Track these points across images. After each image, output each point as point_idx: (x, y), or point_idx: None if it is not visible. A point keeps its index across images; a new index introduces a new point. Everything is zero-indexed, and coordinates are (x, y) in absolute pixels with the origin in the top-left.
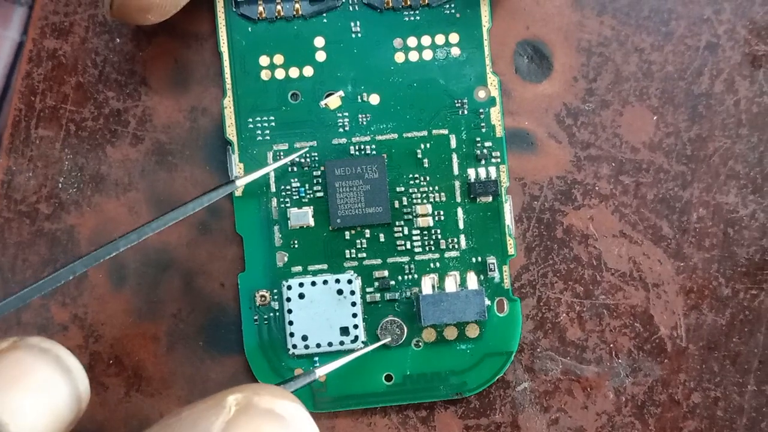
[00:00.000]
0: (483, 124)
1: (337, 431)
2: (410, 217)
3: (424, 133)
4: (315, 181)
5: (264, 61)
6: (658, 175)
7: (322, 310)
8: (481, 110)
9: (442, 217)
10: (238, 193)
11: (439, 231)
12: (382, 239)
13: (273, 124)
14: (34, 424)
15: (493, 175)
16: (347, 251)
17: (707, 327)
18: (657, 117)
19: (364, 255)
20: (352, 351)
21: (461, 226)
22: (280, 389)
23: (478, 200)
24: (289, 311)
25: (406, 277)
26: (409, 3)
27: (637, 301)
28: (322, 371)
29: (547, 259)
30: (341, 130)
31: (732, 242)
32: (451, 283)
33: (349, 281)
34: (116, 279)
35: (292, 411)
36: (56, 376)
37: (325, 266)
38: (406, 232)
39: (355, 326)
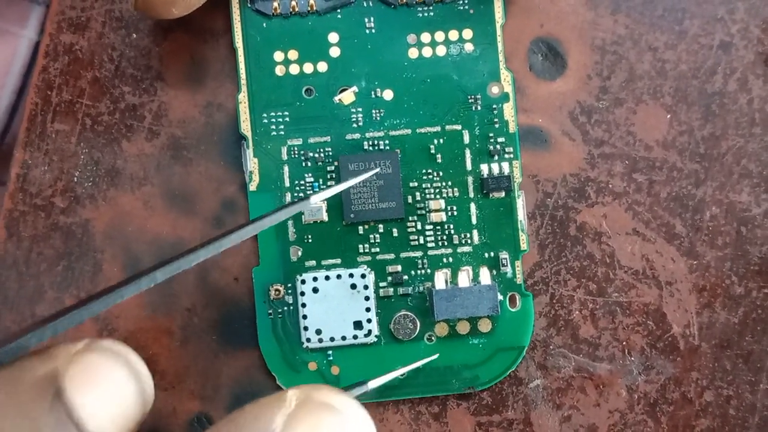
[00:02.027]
0: (496, 120)
1: None
2: (423, 212)
3: (438, 128)
4: (329, 176)
5: (278, 56)
6: (672, 173)
7: (336, 305)
8: (494, 106)
9: (455, 213)
10: (252, 187)
11: (452, 226)
12: (395, 234)
13: (287, 119)
14: (108, 423)
15: (506, 170)
16: (361, 246)
17: (720, 325)
18: (670, 115)
19: (378, 250)
20: (365, 345)
21: (474, 221)
22: (336, 388)
23: (490, 196)
24: (303, 305)
25: (419, 271)
26: None
27: (650, 299)
28: (374, 384)
29: (560, 257)
30: (355, 125)
31: (745, 241)
32: (464, 278)
33: (363, 276)
34: (130, 272)
35: (349, 405)
36: (128, 380)
37: (338, 261)
38: (419, 227)
39: (369, 320)
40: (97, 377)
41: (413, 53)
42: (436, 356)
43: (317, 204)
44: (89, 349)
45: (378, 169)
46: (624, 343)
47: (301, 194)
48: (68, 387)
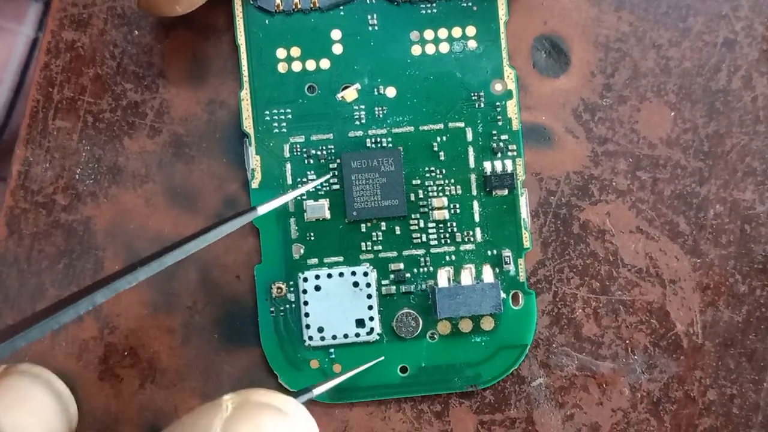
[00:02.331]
0: (499, 117)
1: (351, 424)
2: (426, 209)
3: (441, 126)
4: (331, 174)
5: (281, 53)
6: (676, 171)
7: (338, 302)
8: (497, 103)
9: (458, 210)
10: (254, 185)
11: (454, 224)
12: (398, 232)
13: (290, 116)
14: None
15: (509, 168)
16: (363, 244)
17: (723, 324)
18: (674, 113)
19: (380, 247)
20: (367, 343)
21: (477, 219)
22: (272, 390)
23: (493, 193)
24: (306, 303)
25: (421, 269)
26: None
27: (654, 297)
28: (319, 390)
29: (564, 255)
30: (358, 122)
31: (749, 239)
32: (466, 276)
33: (365, 273)
34: None
35: (288, 404)
36: (49, 400)
37: (341, 258)
38: (421, 224)
39: (371, 318)
40: (19, 398)
41: (416, 50)
42: (381, 358)
43: (264, 212)
44: (8, 373)
45: (329, 175)
46: (627, 341)
47: (304, 193)
48: None
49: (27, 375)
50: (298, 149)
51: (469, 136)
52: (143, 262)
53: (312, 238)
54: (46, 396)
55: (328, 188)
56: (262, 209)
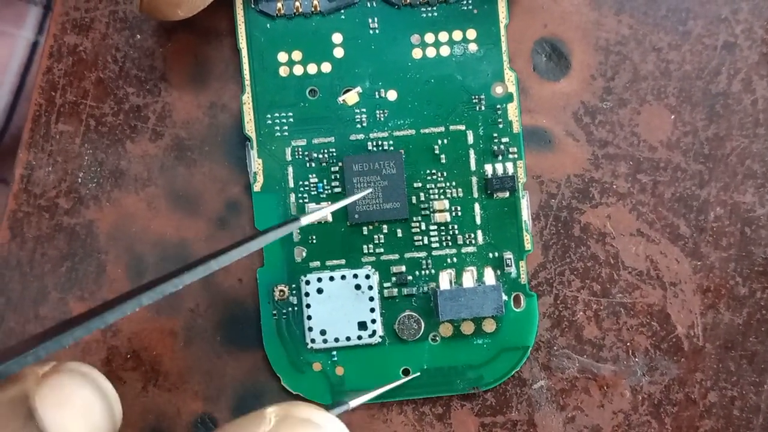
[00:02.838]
0: (500, 120)
1: (353, 427)
2: (427, 212)
3: (442, 128)
4: (333, 177)
5: (282, 57)
6: (676, 173)
7: (340, 305)
8: (498, 106)
9: (459, 213)
10: (257, 188)
11: (456, 226)
12: (399, 234)
13: (291, 120)
14: None
15: (510, 170)
16: (365, 246)
17: (724, 326)
18: (675, 116)
19: (382, 250)
20: (370, 345)
21: (478, 221)
22: (314, 406)
23: (495, 196)
24: (308, 306)
25: (423, 272)
26: None
27: (654, 299)
28: (355, 403)
29: (565, 258)
30: (359, 125)
31: (749, 241)
32: (468, 279)
33: (367, 276)
34: (134, 273)
35: (329, 420)
36: (95, 400)
37: (342, 261)
38: (423, 227)
39: (373, 321)
40: (66, 397)
41: (417, 53)
42: (417, 374)
43: (306, 223)
44: (56, 371)
45: (370, 190)
46: (628, 344)
47: (306, 196)
48: (39, 407)
49: (76, 374)
50: (300, 152)
51: (470, 139)
52: (189, 267)
53: (314, 241)
54: (94, 396)
55: (330, 191)
56: (305, 219)
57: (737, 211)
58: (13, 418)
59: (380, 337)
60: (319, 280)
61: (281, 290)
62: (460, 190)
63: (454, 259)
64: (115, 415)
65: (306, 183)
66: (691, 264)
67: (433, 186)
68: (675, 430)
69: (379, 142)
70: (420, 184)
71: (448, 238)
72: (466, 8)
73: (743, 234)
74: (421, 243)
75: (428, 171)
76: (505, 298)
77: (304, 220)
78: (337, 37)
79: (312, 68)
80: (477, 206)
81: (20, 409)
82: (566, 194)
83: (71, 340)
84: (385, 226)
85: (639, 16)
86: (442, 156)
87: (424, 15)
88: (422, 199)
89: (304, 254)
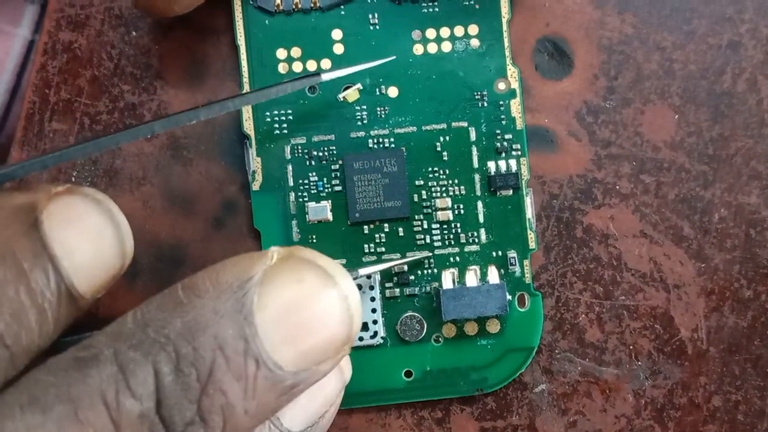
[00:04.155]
0: (503, 117)
1: (350, 431)
2: (429, 210)
3: (444, 125)
4: (333, 175)
5: (281, 54)
6: (680, 174)
7: None
8: (501, 102)
9: (462, 211)
10: (255, 187)
11: (458, 225)
12: (401, 233)
13: (290, 117)
14: (84, 265)
15: (514, 167)
16: (366, 245)
17: (728, 329)
18: (678, 116)
19: (383, 249)
20: (371, 346)
21: (481, 219)
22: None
23: (498, 194)
24: None
25: (425, 271)
26: None
27: (658, 302)
28: (365, 271)
29: (567, 259)
30: (359, 123)
31: (754, 243)
32: (471, 278)
33: (368, 276)
34: (129, 274)
35: (334, 266)
36: (106, 227)
37: (343, 261)
38: (425, 226)
39: (375, 321)
40: (75, 216)
41: (418, 50)
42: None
43: (328, 79)
44: (70, 192)
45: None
46: (631, 347)
47: (305, 195)
48: (45, 219)
49: (90, 198)
50: (300, 151)
51: (473, 136)
52: (206, 105)
53: (314, 240)
54: (105, 223)
55: (330, 190)
56: (326, 76)
57: (742, 213)
58: (17, 221)
59: (382, 338)
60: None
61: None
62: (462, 187)
63: (457, 258)
64: (126, 248)
65: (306, 181)
66: (695, 266)
67: (435, 184)
68: None
69: (380, 140)
70: (422, 182)
71: (451, 236)
72: (467, 3)
73: (748, 236)
74: (423, 242)
75: (430, 169)
76: (509, 297)
77: (325, 76)
78: (336, 34)
79: (311, 65)
80: (480, 204)
81: (25, 217)
82: (568, 195)
83: (79, 155)
84: (386, 225)
85: (643, 15)
86: (444, 153)
87: (425, 10)
88: (424, 197)
89: None
